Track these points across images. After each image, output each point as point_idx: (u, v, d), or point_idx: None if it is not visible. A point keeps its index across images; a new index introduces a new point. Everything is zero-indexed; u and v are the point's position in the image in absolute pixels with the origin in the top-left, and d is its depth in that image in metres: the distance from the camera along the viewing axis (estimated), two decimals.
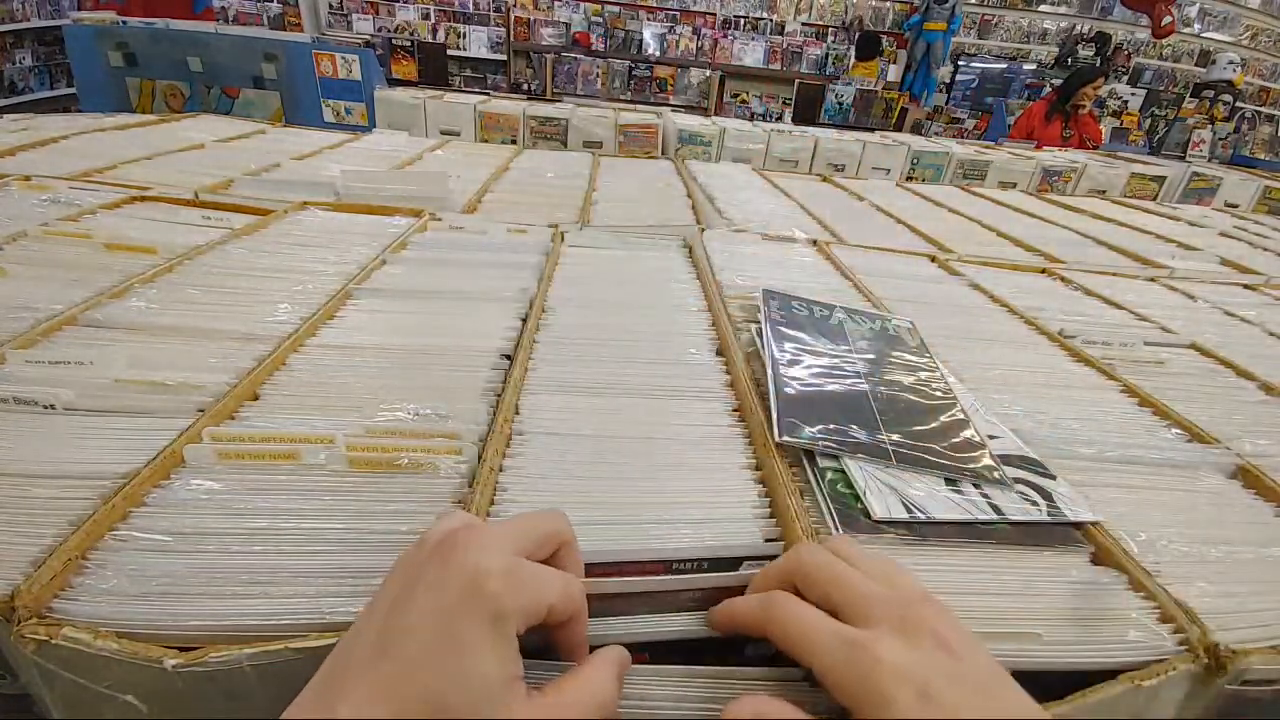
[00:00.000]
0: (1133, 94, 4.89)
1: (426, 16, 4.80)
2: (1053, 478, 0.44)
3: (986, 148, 2.35)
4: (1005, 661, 0.30)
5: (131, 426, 0.40)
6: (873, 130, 3.16)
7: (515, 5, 4.75)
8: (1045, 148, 2.51)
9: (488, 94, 2.45)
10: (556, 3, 4.84)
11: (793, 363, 0.52)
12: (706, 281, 0.73)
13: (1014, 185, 2.01)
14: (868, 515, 0.38)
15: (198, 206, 0.83)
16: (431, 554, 0.24)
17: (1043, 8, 5.11)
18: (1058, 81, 3.15)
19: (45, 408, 0.41)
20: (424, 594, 0.23)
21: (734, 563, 0.33)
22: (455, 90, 3.44)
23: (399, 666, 0.21)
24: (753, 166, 1.63)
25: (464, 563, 0.23)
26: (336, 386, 0.47)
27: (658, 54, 4.87)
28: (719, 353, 0.58)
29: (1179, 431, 0.53)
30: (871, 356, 0.56)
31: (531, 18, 4.79)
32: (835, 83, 4.52)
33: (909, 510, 0.39)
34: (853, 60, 4.76)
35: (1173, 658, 0.32)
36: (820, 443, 0.43)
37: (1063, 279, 0.92)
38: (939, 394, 0.52)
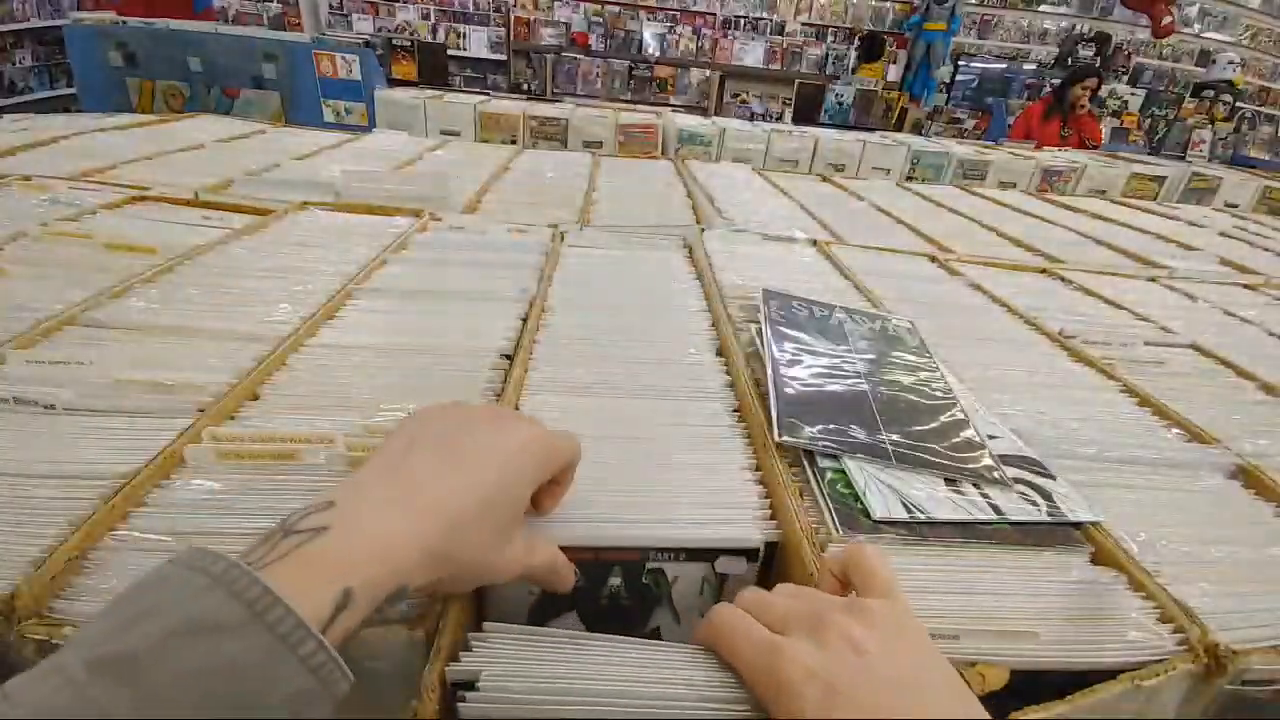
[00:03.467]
0: (1133, 94, 4.89)
1: (426, 16, 4.80)
2: (1053, 478, 0.44)
3: (986, 148, 2.35)
4: (1005, 661, 0.31)
5: (131, 426, 0.40)
6: (873, 130, 3.16)
7: (515, 5, 4.75)
8: (1044, 147, 2.51)
9: (488, 94, 2.45)
10: (556, 3, 4.84)
11: (793, 363, 0.52)
12: (706, 281, 0.73)
13: (1014, 185, 2.01)
14: (867, 515, 0.38)
15: (198, 206, 0.83)
16: (485, 409, 0.34)
17: (1043, 8, 5.11)
18: (1057, 81, 3.15)
19: (45, 408, 0.41)
20: (484, 433, 0.30)
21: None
22: (455, 90, 3.44)
23: (470, 480, 0.28)
24: (753, 166, 1.63)
25: (518, 423, 0.32)
26: (336, 386, 0.47)
27: (658, 54, 4.87)
28: (719, 353, 0.58)
29: (1179, 431, 0.53)
30: (871, 356, 0.56)
31: (531, 18, 4.79)
32: (835, 83, 4.52)
33: (909, 510, 0.39)
34: (853, 61, 4.76)
35: (1173, 658, 0.32)
36: (820, 443, 0.43)
37: (1063, 279, 0.92)
38: (939, 394, 0.52)
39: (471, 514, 0.27)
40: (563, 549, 0.33)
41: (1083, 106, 2.91)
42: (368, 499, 0.26)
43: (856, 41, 4.83)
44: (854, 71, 4.71)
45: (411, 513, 0.26)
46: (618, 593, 0.35)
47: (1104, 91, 4.72)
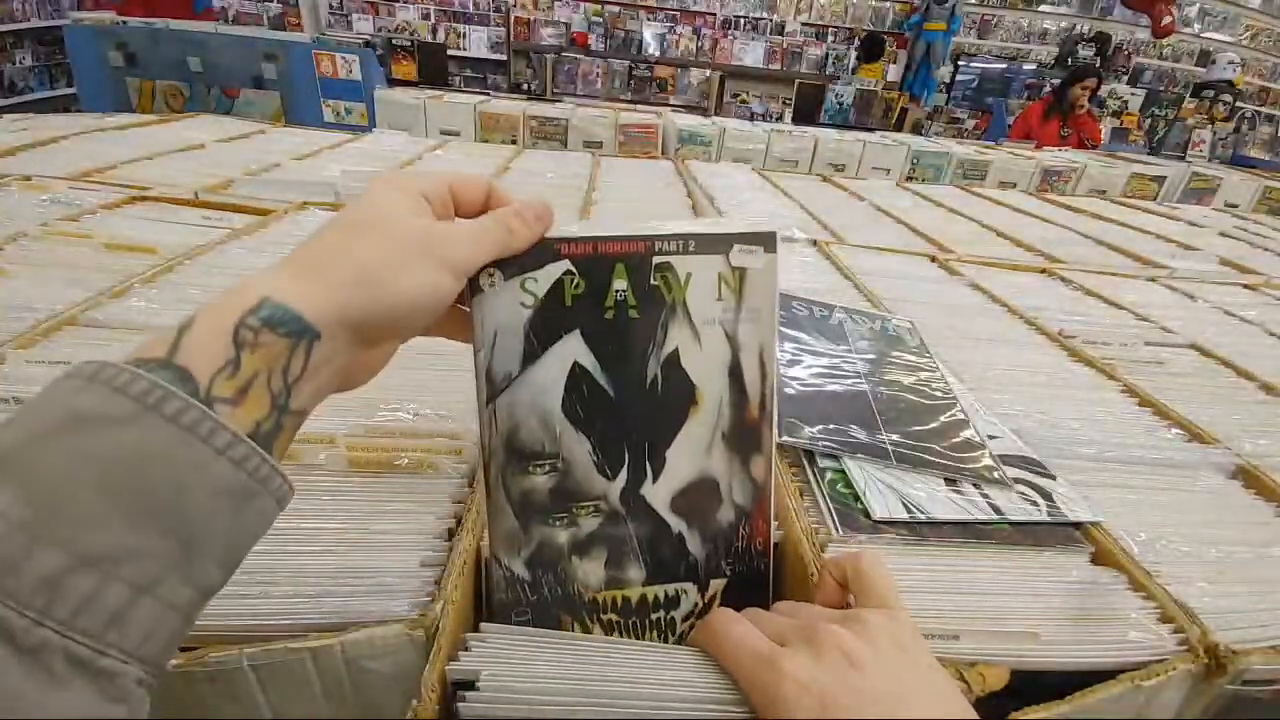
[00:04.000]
0: (1133, 94, 4.89)
1: (426, 16, 4.80)
2: (1053, 478, 0.44)
3: (986, 148, 2.35)
4: (1005, 661, 0.31)
5: None
6: (873, 130, 3.16)
7: (515, 5, 4.75)
8: (1044, 147, 2.51)
9: (488, 94, 2.45)
10: (556, 3, 4.84)
11: (793, 363, 0.52)
12: None
13: (1014, 185, 2.01)
14: (867, 515, 0.38)
15: (198, 206, 0.83)
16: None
17: (1043, 8, 5.11)
18: (1057, 81, 3.15)
19: None
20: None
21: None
22: (455, 90, 3.44)
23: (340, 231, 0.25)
24: (753, 166, 1.63)
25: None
26: None
27: (658, 54, 4.87)
28: None
29: (1179, 431, 0.53)
30: (871, 356, 0.56)
31: (531, 18, 4.79)
32: (835, 83, 4.52)
33: (909, 510, 0.39)
34: (853, 62, 4.76)
35: (1173, 658, 0.32)
36: (820, 443, 0.43)
37: (1063, 279, 0.92)
38: (939, 394, 0.52)
39: (345, 226, 0.25)
40: (556, 239, 0.29)
41: (1082, 106, 2.91)
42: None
43: (856, 42, 4.83)
44: (854, 72, 4.71)
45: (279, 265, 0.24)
46: (624, 300, 0.30)
47: (1104, 91, 4.72)
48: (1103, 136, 3.12)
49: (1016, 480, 0.43)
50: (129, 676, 0.18)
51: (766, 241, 0.30)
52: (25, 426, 0.18)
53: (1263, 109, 5.27)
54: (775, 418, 0.32)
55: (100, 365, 0.19)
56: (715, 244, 0.30)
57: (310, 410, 0.24)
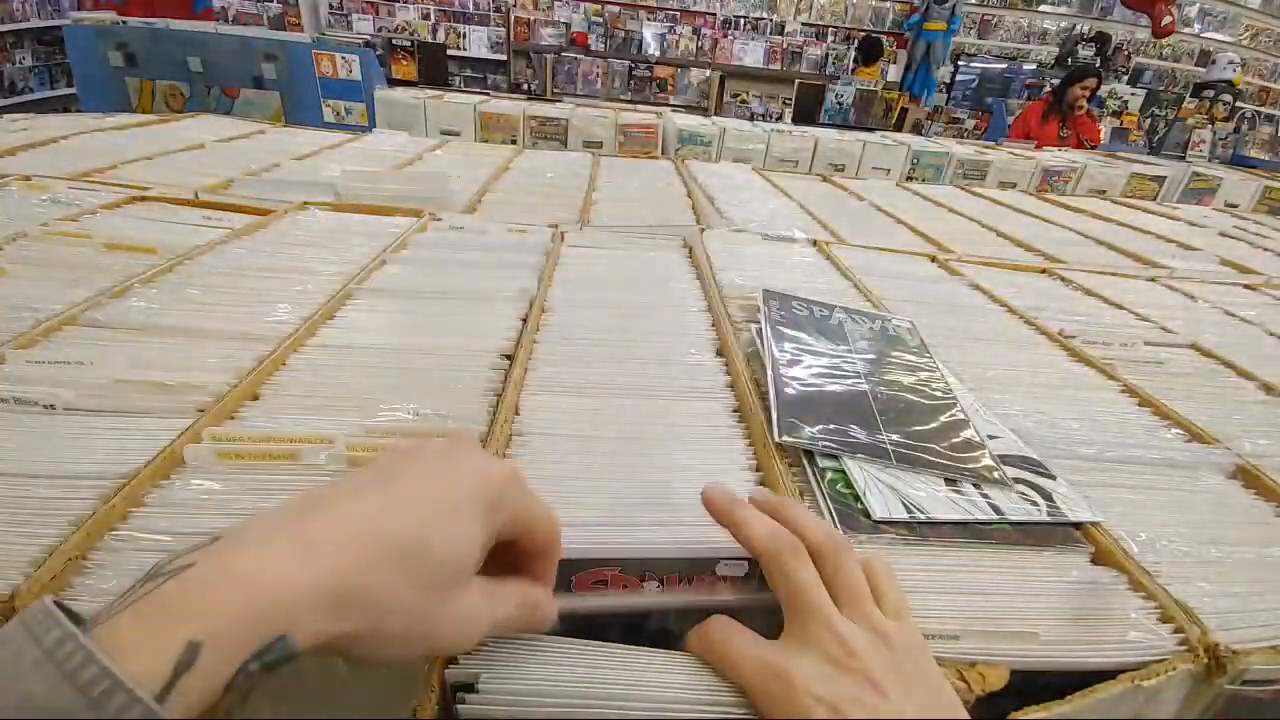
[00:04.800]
0: (1133, 94, 4.88)
1: (426, 16, 4.80)
2: (1053, 478, 0.44)
3: (986, 148, 2.35)
4: (1005, 661, 0.31)
5: (131, 426, 0.40)
6: (873, 130, 3.16)
7: (515, 5, 4.75)
8: (1044, 147, 2.51)
9: (488, 94, 2.45)
10: (557, 3, 4.84)
11: (793, 363, 0.52)
12: (706, 281, 0.73)
13: (1014, 185, 2.01)
14: (868, 515, 0.38)
15: (198, 206, 0.83)
16: (439, 440, 0.26)
17: (1043, 8, 5.11)
18: (1057, 81, 3.15)
19: (45, 408, 0.41)
20: (431, 459, 0.25)
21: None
22: (455, 90, 3.44)
23: (397, 502, 0.22)
24: (753, 166, 1.63)
25: (473, 451, 0.26)
26: (336, 386, 0.47)
27: (658, 54, 4.87)
28: (719, 353, 0.58)
29: (1179, 431, 0.53)
30: (871, 356, 0.56)
31: (531, 18, 4.79)
32: (835, 83, 4.52)
33: (909, 510, 0.39)
34: (852, 63, 4.76)
35: (1173, 658, 0.32)
36: (820, 443, 0.43)
37: (1063, 279, 0.92)
38: (939, 394, 0.52)
39: (394, 540, 0.21)
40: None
41: (1081, 107, 2.90)
42: (254, 527, 0.20)
43: (855, 44, 4.82)
44: (853, 73, 4.71)
45: (301, 540, 0.20)
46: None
47: (1104, 91, 4.72)
48: (1102, 137, 3.10)
49: (1016, 480, 0.43)
50: None
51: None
52: None
53: (1263, 109, 5.27)
54: None
55: (62, 635, 0.16)
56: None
57: None
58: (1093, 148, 2.80)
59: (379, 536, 0.21)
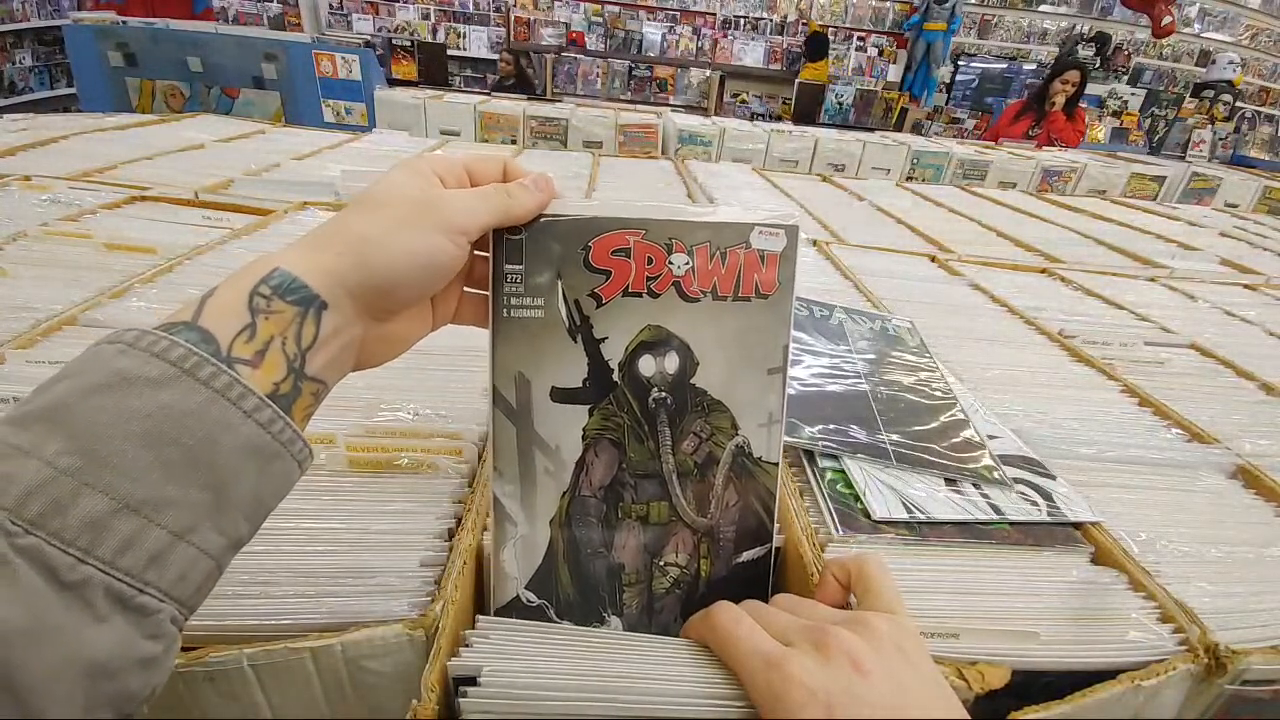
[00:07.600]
0: (1133, 94, 4.89)
1: (426, 16, 4.80)
2: (1053, 478, 0.44)
3: (986, 148, 2.35)
4: (1005, 661, 0.31)
5: None
6: (873, 130, 3.15)
7: (515, 5, 4.75)
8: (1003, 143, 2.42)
9: (488, 94, 2.45)
10: (556, 3, 4.84)
11: (793, 363, 0.52)
12: None
13: (1014, 185, 2.01)
14: (867, 515, 0.38)
15: (198, 206, 0.83)
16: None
17: (1043, 8, 5.11)
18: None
19: None
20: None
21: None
22: (455, 90, 3.44)
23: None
24: (753, 166, 1.63)
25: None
26: (336, 386, 0.47)
27: (658, 54, 4.87)
28: None
29: (1179, 431, 0.53)
30: (871, 356, 0.56)
31: (531, 18, 4.79)
32: (835, 83, 4.52)
33: (909, 510, 0.39)
34: (803, 61, 4.66)
35: (1173, 658, 0.32)
36: (820, 443, 0.43)
37: (1063, 279, 0.92)
38: (939, 394, 0.52)
39: (353, 205, 0.27)
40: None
41: (1053, 104, 2.68)
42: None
43: (804, 37, 4.70)
44: (799, 74, 4.61)
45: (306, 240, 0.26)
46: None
47: (1104, 91, 4.72)
48: (1079, 139, 2.76)
49: (1016, 480, 0.43)
50: (164, 615, 0.19)
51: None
52: (73, 383, 0.19)
53: (1263, 109, 5.27)
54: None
55: (140, 333, 0.21)
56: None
57: (330, 381, 0.26)
58: (1065, 148, 2.57)
59: (350, 208, 0.27)
